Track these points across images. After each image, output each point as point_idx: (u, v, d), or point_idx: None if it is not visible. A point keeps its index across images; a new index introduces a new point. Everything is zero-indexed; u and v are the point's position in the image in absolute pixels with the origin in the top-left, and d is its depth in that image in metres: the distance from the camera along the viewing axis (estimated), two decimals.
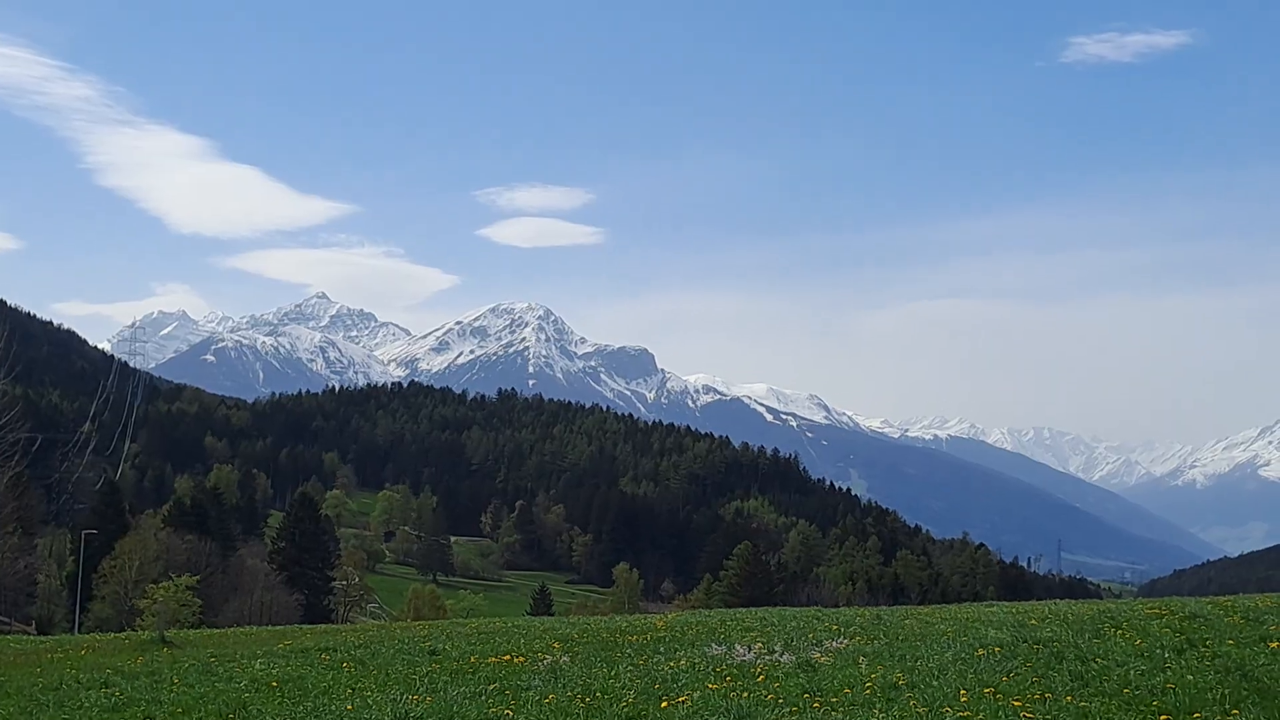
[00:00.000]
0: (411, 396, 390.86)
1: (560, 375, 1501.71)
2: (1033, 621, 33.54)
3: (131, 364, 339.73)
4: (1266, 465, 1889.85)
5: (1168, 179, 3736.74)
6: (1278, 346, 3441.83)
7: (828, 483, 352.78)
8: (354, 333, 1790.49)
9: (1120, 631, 28.80)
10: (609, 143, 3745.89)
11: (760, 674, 25.28)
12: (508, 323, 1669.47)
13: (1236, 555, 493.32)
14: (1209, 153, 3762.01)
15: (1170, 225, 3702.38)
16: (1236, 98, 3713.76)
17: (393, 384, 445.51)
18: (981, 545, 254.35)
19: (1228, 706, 18.22)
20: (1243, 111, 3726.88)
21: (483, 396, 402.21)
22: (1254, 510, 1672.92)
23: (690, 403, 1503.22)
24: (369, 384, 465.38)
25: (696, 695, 22.84)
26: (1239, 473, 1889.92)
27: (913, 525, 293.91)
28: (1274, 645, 24.09)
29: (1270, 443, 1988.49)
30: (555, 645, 35.05)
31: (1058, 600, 61.19)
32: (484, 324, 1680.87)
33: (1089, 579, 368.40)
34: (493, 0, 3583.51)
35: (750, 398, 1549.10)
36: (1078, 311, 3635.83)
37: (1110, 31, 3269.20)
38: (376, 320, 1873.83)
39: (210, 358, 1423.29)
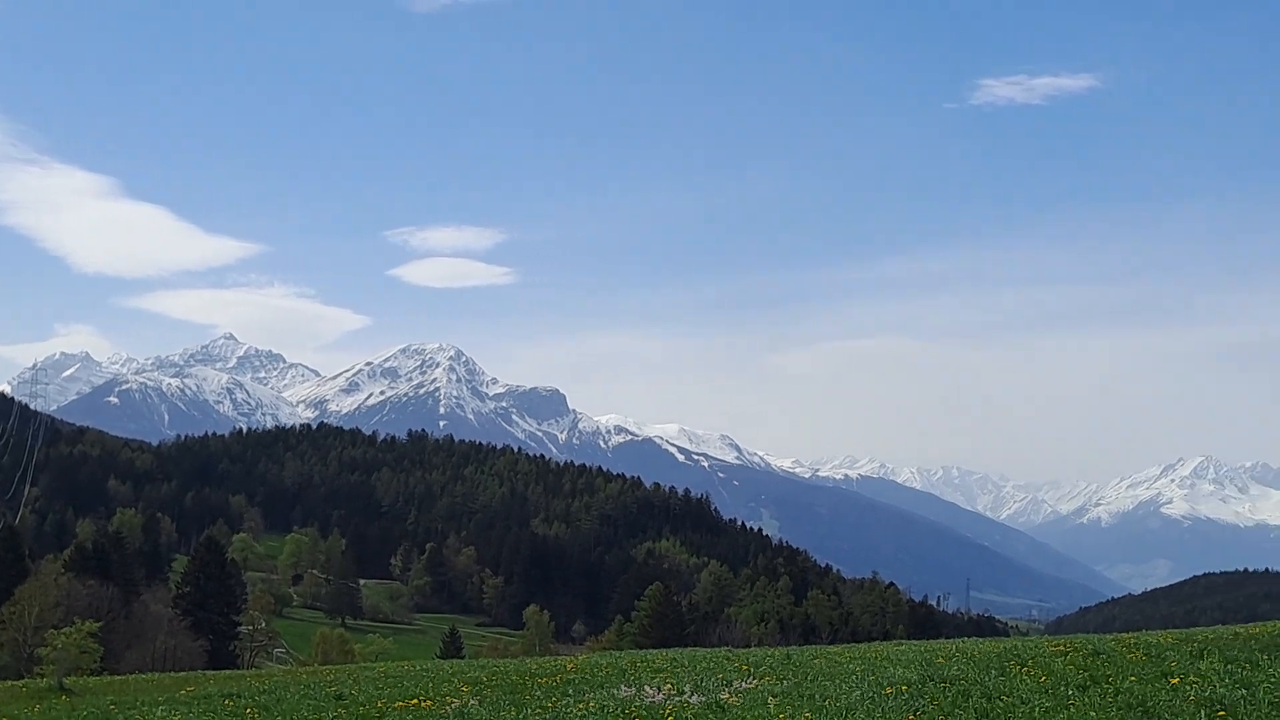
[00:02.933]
0: (320, 438, 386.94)
1: (472, 416, 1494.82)
2: (940, 660, 33.82)
3: (32, 406, 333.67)
4: (1169, 503, 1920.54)
5: (1078, 220, 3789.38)
6: (1179, 387, 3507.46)
7: (739, 523, 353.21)
8: (262, 374, 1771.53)
9: (1025, 669, 29.10)
10: (521, 183, 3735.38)
11: (669, 715, 25.27)
12: (419, 363, 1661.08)
13: (1140, 592, 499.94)
14: (1119, 194, 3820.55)
15: (1080, 266, 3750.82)
16: (1144, 139, 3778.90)
17: (301, 426, 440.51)
18: (891, 584, 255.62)
19: None
20: (1152, 153, 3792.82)
21: (393, 438, 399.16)
22: (1157, 547, 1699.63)
23: (602, 443, 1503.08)
24: (277, 426, 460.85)
25: None
26: (1142, 510, 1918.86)
27: (823, 565, 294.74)
28: (1175, 681, 24.45)
29: (1173, 481, 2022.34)
30: (464, 688, 34.87)
31: (966, 638, 61.82)
32: (395, 365, 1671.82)
33: (997, 617, 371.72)
34: (403, 40, 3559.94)
35: (662, 438, 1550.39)
36: (986, 351, 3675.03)
37: (1019, 74, 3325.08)
38: (285, 361, 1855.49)
39: (114, 399, 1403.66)
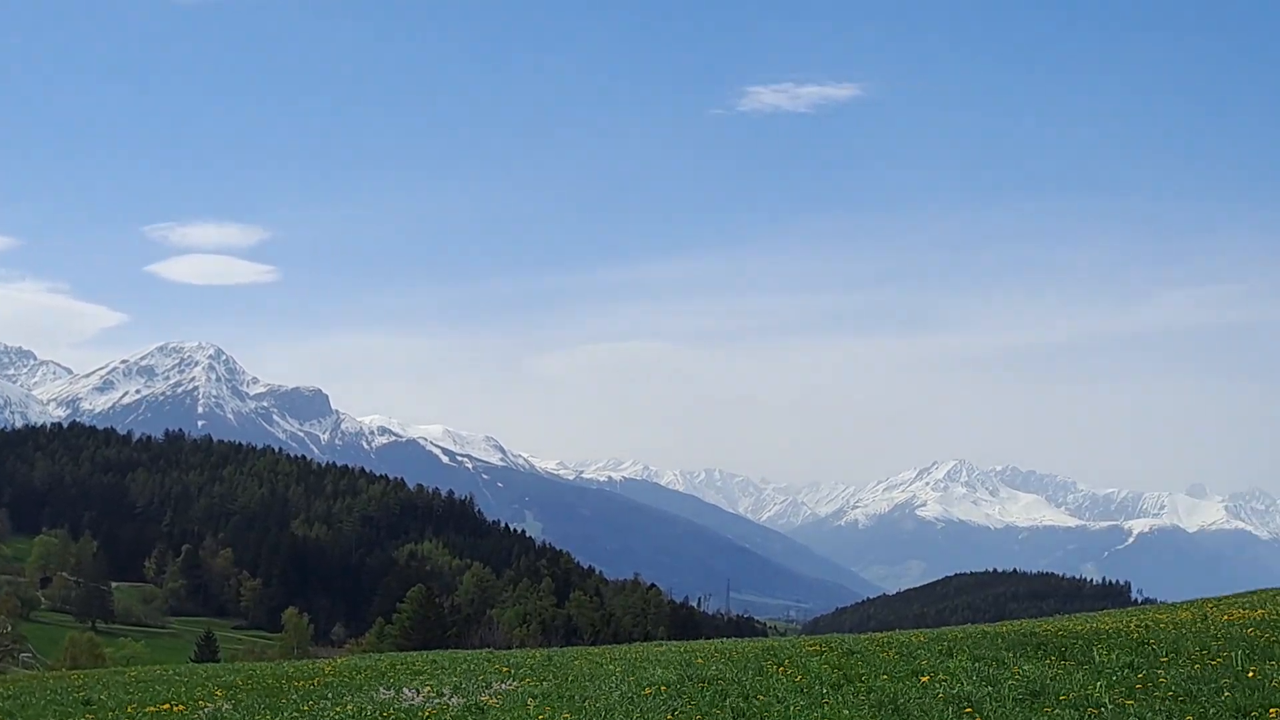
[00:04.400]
0: (72, 437, 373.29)
1: (231, 416, 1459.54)
2: (699, 660, 34.18)
3: None
4: (923, 506, 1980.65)
5: (839, 227, 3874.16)
6: (934, 392, 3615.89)
7: (503, 524, 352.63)
8: (10, 371, 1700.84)
9: (782, 668, 29.59)
10: (286, 180, 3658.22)
11: (427, 718, 25.09)
12: (176, 362, 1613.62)
13: (894, 592, 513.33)
14: (876, 202, 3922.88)
15: (839, 272, 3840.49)
16: (901, 150, 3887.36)
17: (52, 424, 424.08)
18: (653, 585, 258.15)
19: None
20: (908, 163, 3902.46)
21: (148, 437, 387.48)
22: (911, 549, 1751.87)
23: (365, 444, 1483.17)
24: (26, 424, 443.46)
25: None
26: (898, 513, 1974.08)
27: (586, 566, 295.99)
28: (925, 679, 25.13)
29: (927, 484, 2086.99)
30: (218, 692, 34.04)
31: (725, 639, 62.56)
32: (151, 363, 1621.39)
33: (756, 617, 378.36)
34: (158, 30, 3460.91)
35: (426, 439, 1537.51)
36: (747, 355, 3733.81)
37: (786, 83, 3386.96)
38: (36, 358, 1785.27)
39: None
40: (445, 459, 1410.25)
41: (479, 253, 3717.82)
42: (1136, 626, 33.67)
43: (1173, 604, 65.34)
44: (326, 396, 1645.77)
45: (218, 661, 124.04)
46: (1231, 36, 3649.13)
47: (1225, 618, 34.69)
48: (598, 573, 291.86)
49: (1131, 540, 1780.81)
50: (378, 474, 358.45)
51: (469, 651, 59.67)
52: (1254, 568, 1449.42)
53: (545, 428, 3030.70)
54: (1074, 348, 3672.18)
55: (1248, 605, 42.90)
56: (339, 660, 54.80)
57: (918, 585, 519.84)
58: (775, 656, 33.08)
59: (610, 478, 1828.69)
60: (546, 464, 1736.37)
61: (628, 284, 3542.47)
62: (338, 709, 27.84)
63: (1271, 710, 18.07)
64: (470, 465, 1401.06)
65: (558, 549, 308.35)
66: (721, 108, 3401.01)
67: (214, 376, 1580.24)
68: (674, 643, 59.01)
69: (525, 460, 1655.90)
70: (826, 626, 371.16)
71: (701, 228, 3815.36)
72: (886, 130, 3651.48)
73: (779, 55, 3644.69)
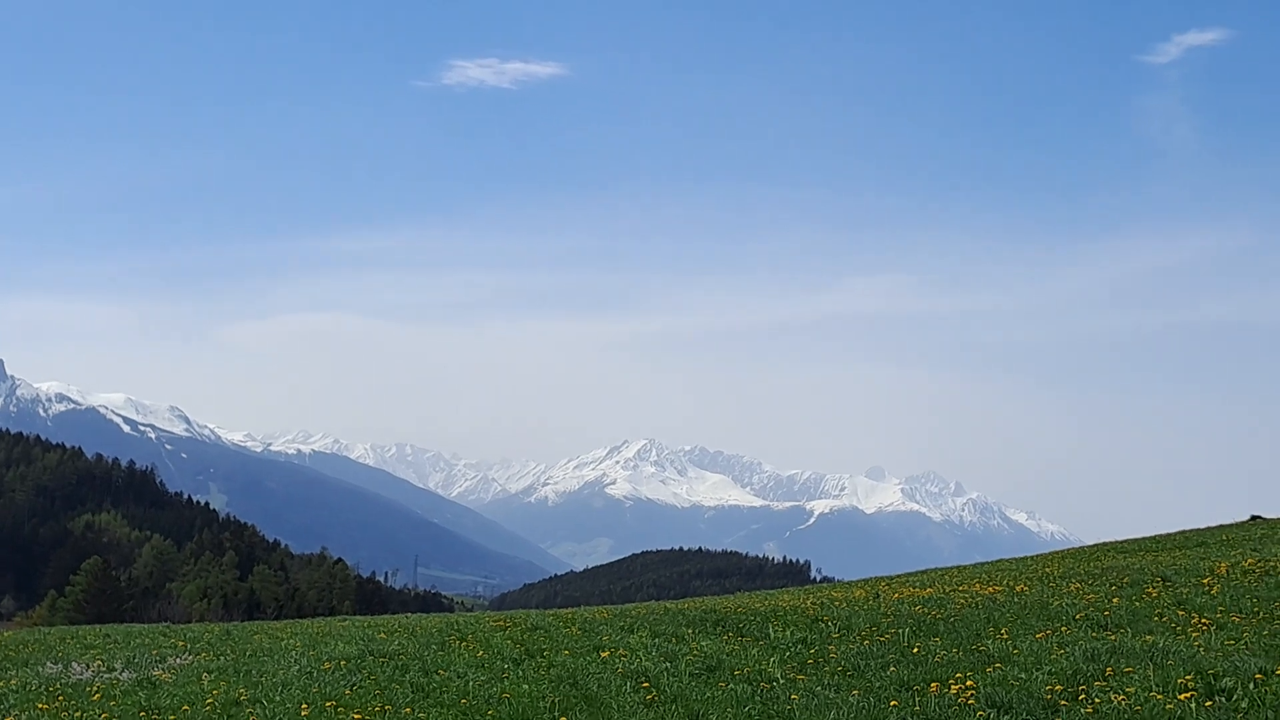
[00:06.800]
0: None
1: None
2: (382, 635, 33.94)
3: None
4: (613, 484, 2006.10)
5: (539, 205, 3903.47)
6: (627, 372, 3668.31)
7: (185, 496, 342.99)
8: None
9: (465, 643, 29.61)
10: None
11: (96, 693, 24.27)
12: None
13: (583, 569, 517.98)
14: (582, 182, 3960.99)
15: (534, 250, 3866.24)
16: (602, 130, 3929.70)
17: None
18: (340, 560, 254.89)
19: (556, 713, 19.03)
20: (609, 144, 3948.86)
21: None
22: (600, 526, 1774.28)
23: (42, 411, 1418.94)
24: None
25: (25, 717, 21.66)
26: (588, 491, 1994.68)
27: (272, 540, 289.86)
28: (605, 655, 25.44)
29: (617, 463, 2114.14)
30: None
31: (411, 614, 62.22)
32: None
33: (444, 593, 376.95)
34: None
35: (108, 408, 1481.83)
36: (443, 330, 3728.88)
37: (491, 58, 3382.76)
38: None
39: None
40: (127, 428, 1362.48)
41: (170, 221, 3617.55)
42: (812, 604, 34.72)
43: (849, 582, 67.84)
44: (1, 361, 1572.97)
45: None
46: (910, 41, 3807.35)
47: (896, 596, 36.08)
48: (284, 546, 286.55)
49: (813, 520, 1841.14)
50: (55, 443, 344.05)
51: (145, 625, 58.08)
52: (926, 548, 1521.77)
53: (234, 399, 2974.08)
54: (762, 333, 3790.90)
55: (917, 584, 44.76)
56: (5, 634, 52.50)
57: (606, 562, 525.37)
58: (459, 631, 33.09)
59: (299, 450, 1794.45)
60: (233, 436, 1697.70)
61: (324, 256, 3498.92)
62: (1, 683, 26.69)
63: (933, 684, 18.81)
64: (153, 435, 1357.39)
65: (242, 522, 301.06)
66: (425, 79, 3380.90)
67: None
68: (358, 618, 58.51)
69: (211, 431, 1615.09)
70: (514, 603, 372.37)
71: (401, 201, 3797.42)
72: (589, 110, 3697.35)
73: (484, 30, 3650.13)
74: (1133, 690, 17.12)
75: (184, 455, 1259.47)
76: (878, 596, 36.66)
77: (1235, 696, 16.29)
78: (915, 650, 22.84)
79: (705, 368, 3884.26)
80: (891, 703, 17.86)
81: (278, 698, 22.21)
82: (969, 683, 18.58)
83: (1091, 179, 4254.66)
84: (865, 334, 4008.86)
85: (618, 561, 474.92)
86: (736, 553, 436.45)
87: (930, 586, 40.60)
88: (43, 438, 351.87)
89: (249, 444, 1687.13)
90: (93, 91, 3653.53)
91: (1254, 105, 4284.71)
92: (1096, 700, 16.74)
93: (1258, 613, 24.32)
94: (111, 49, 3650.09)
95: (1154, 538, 63.31)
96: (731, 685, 20.53)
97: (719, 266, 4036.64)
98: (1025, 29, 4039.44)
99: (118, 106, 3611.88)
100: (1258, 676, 17.25)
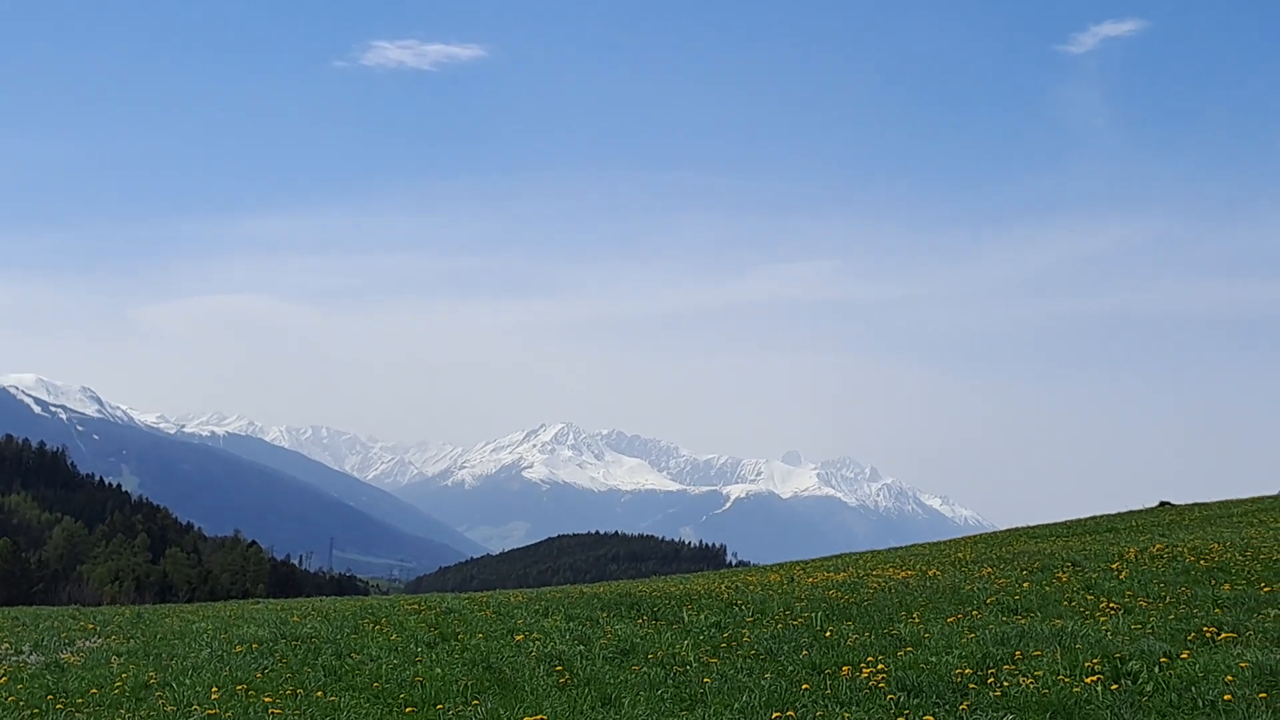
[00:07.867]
0: None
1: None
2: (295, 618, 33.73)
3: None
4: (530, 467, 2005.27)
5: (458, 189, 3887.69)
6: (545, 355, 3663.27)
7: (97, 478, 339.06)
8: None
9: (378, 627, 29.50)
10: None
11: (3, 676, 23.92)
12: None
13: (499, 553, 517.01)
14: (501, 166, 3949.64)
15: (451, 233, 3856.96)
16: (520, 113, 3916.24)
17: None
18: (254, 543, 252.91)
19: (469, 697, 18.97)
20: (527, 126, 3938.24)
21: None
22: (516, 510, 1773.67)
23: None
24: None
25: None
26: (504, 474, 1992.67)
27: (185, 522, 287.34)
28: (519, 638, 25.42)
29: (535, 446, 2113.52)
30: None
31: (326, 597, 61.93)
32: None
33: (359, 576, 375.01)
34: None
35: (17, 388, 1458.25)
36: (360, 313, 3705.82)
37: (411, 39, 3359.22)
38: None
39: None
40: (37, 409, 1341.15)
41: (82, 200, 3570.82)
42: (727, 588, 34.90)
43: (764, 566, 68.23)
44: None
45: None
46: (829, 31, 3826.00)
47: (810, 580, 36.33)
48: (197, 529, 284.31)
49: (729, 505, 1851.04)
50: None
51: (55, 608, 57.38)
52: (841, 532, 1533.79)
53: (148, 380, 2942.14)
54: (680, 318, 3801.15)
55: (831, 568, 45.11)
56: None
57: (522, 546, 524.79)
58: (373, 614, 32.95)
59: (213, 432, 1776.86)
60: (146, 417, 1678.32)
61: (239, 237, 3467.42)
62: None
63: (845, 668, 18.93)
64: (65, 416, 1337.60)
65: (155, 504, 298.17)
66: (345, 60, 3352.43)
67: None
68: (271, 601, 58.09)
69: (124, 412, 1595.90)
70: (429, 586, 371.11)
71: (319, 183, 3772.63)
72: (509, 94, 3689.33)
73: (405, 10, 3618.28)
74: (1041, 673, 17.32)
75: (96, 437, 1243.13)
76: (792, 581, 36.88)
77: (1141, 679, 16.50)
78: (828, 634, 22.99)
79: (623, 352, 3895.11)
80: (803, 686, 17.94)
81: (188, 681, 21.99)
82: (880, 666, 18.73)
83: (1009, 168, 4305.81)
84: (782, 320, 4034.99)
85: (534, 545, 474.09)
86: (653, 537, 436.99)
87: (844, 571, 40.92)
88: None
89: (162, 426, 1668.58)
90: (6, 66, 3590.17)
91: (1170, 96, 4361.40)
92: (1005, 683, 16.91)
93: (1164, 597, 24.73)
94: (22, 22, 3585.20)
95: (1065, 523, 64.38)
96: (645, 669, 20.57)
97: (636, 252, 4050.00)
98: (944, 18, 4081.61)
99: (32, 84, 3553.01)
100: (1163, 660, 17.52)
